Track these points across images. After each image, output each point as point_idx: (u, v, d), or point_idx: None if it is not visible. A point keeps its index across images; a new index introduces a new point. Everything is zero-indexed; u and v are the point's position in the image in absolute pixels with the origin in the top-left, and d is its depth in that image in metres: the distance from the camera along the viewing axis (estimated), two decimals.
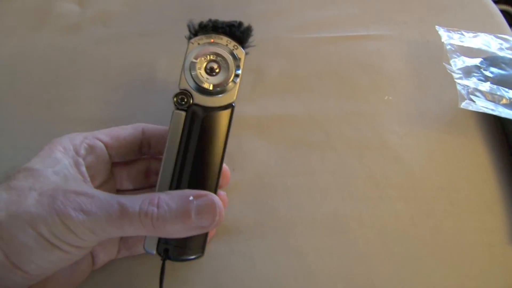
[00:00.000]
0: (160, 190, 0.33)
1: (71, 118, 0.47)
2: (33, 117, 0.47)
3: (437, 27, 0.50)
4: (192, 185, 0.33)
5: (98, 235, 0.29)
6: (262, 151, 0.45)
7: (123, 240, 0.37)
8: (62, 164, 0.31)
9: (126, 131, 0.37)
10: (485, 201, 0.44)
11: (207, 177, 0.33)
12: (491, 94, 0.44)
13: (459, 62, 0.46)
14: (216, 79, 0.33)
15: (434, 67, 0.49)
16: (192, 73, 0.33)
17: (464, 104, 0.43)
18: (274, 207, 0.42)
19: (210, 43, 0.33)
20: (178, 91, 0.33)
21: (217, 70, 0.33)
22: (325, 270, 0.40)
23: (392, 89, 0.49)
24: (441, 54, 0.48)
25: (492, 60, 0.47)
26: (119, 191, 0.39)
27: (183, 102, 0.32)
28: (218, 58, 0.33)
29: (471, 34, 0.49)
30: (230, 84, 0.33)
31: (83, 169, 0.33)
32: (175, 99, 0.32)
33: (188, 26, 0.34)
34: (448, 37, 0.48)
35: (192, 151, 0.33)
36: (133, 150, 0.37)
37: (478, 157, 0.46)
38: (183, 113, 0.32)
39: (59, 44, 0.53)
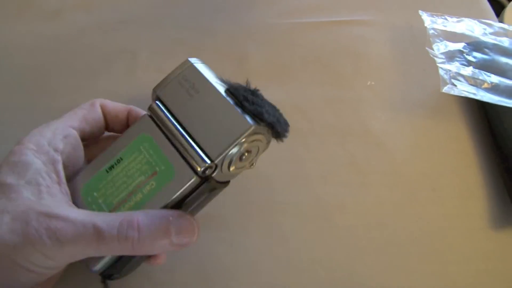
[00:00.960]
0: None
1: (51, 106, 0.46)
2: (13, 105, 0.47)
3: (420, 12, 0.49)
4: None
5: (75, 257, 0.28)
6: None
7: None
8: (33, 168, 0.30)
9: (90, 112, 0.35)
10: (467, 186, 0.44)
11: None
12: (473, 78, 0.44)
13: (442, 47, 0.46)
14: (241, 164, 0.32)
15: (418, 52, 0.49)
16: (229, 157, 0.30)
17: (446, 89, 0.43)
18: (256, 194, 0.42)
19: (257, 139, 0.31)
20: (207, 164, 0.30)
21: (245, 156, 0.31)
22: (308, 256, 0.40)
23: (375, 75, 0.49)
24: (424, 39, 0.48)
25: (475, 45, 0.47)
26: None
27: (206, 172, 0.30)
28: (253, 149, 0.32)
29: (455, 19, 0.49)
30: (247, 167, 0.33)
31: (59, 166, 0.31)
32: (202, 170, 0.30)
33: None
34: (432, 22, 0.48)
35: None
36: (100, 128, 0.36)
37: (461, 142, 0.46)
38: (196, 179, 0.30)
39: (40, 31, 0.52)
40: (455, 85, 0.43)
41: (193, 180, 0.30)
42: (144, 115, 0.33)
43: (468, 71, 0.44)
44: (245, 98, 0.31)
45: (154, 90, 0.33)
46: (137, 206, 0.31)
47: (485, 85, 0.43)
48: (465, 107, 0.47)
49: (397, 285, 0.39)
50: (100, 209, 0.31)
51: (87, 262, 0.31)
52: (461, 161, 0.45)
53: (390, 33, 0.51)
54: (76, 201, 0.32)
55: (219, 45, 0.49)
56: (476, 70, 0.44)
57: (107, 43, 0.51)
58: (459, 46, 0.47)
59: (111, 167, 0.32)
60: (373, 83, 0.48)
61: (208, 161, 0.29)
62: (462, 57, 0.46)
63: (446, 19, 0.49)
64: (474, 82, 0.43)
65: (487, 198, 0.43)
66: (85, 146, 0.36)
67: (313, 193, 0.42)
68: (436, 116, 0.46)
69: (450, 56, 0.46)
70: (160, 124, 0.32)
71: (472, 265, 0.40)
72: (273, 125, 0.30)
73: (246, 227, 0.41)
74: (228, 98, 0.31)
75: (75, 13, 0.54)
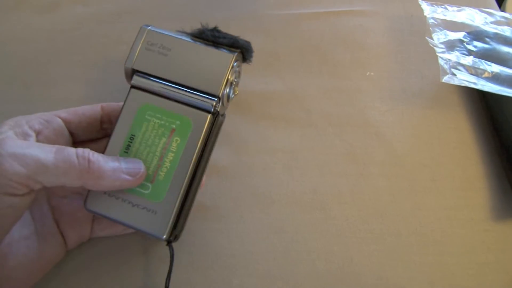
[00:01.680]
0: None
1: (49, 98, 0.46)
2: (12, 97, 0.47)
3: (420, 1, 0.49)
4: None
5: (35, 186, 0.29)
6: (241, 128, 0.44)
7: (96, 220, 0.37)
8: (4, 134, 0.31)
9: (84, 107, 0.36)
10: (467, 177, 0.43)
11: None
12: (474, 68, 0.43)
13: (441, 36, 0.45)
14: (231, 92, 0.36)
15: (417, 42, 0.49)
16: (225, 88, 0.35)
17: (446, 78, 0.42)
18: (252, 184, 0.42)
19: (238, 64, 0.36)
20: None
21: (233, 84, 0.36)
22: (304, 247, 0.40)
23: (374, 65, 0.48)
24: (424, 29, 0.47)
25: (476, 34, 0.46)
26: None
27: (216, 107, 0.34)
28: (235, 75, 0.37)
29: (455, 8, 0.48)
30: (235, 94, 0.37)
31: (30, 139, 0.32)
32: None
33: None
34: (431, 11, 0.47)
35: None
36: (94, 125, 0.36)
37: (461, 133, 0.45)
38: (211, 117, 0.34)
39: (37, 23, 0.52)
40: (455, 75, 0.42)
41: (209, 118, 0.33)
42: (130, 89, 0.34)
43: (468, 60, 0.43)
44: (213, 36, 0.35)
45: (126, 66, 0.35)
46: (173, 165, 0.33)
47: (486, 75, 0.42)
48: (465, 97, 0.46)
49: (395, 276, 0.39)
50: (143, 188, 0.33)
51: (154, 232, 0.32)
52: (462, 152, 0.44)
53: (389, 23, 0.51)
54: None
55: None
56: (477, 60, 0.43)
57: (104, 35, 0.51)
58: (460, 35, 0.46)
59: (128, 147, 0.33)
60: (372, 73, 0.47)
61: (215, 98, 0.33)
62: (462, 46, 0.45)
63: (446, 8, 0.48)
64: (474, 71, 0.43)
65: (488, 189, 0.42)
66: (82, 143, 0.36)
67: (309, 183, 0.42)
68: (436, 106, 0.46)
69: (450, 46, 0.45)
70: (152, 89, 0.34)
71: (472, 257, 0.40)
72: (246, 47, 0.35)
73: (242, 217, 0.40)
74: (198, 43, 0.35)
75: (72, 5, 0.54)
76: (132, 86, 0.34)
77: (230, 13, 0.51)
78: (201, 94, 0.33)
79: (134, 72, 0.35)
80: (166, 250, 0.35)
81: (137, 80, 0.34)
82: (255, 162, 0.42)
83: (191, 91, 0.34)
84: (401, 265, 0.39)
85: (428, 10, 0.47)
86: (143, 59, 0.34)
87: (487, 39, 0.46)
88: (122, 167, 0.31)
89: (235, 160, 0.42)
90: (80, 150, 0.30)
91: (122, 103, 0.35)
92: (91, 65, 0.49)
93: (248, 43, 0.36)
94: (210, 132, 0.34)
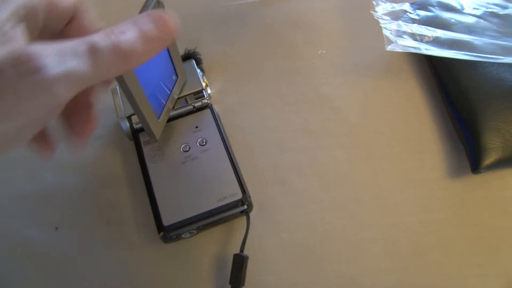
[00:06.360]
0: None
1: None
2: None
3: None
4: None
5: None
6: None
7: None
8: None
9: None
10: (422, 140, 0.45)
11: None
12: (418, 34, 0.45)
13: (386, 8, 0.47)
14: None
15: (367, 18, 0.50)
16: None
17: (390, 47, 0.43)
18: None
19: None
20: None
21: None
22: (269, 221, 0.41)
23: (326, 43, 0.50)
24: (372, 4, 0.49)
25: (419, 4, 0.48)
26: None
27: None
28: None
29: None
30: None
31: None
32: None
33: None
34: None
35: None
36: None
37: (414, 99, 0.47)
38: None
39: None
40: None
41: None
42: None
43: (411, 27, 0.45)
44: None
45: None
46: None
47: (427, 39, 0.44)
48: (415, 65, 0.48)
49: (359, 240, 0.40)
50: None
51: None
52: (415, 117, 0.46)
53: (339, 3, 0.52)
54: None
55: None
56: (421, 26, 0.45)
57: None
58: (404, 6, 0.48)
59: None
60: (324, 51, 0.49)
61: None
62: (406, 16, 0.47)
63: None
64: (418, 37, 0.44)
65: (442, 150, 0.44)
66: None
67: (269, 160, 0.44)
68: (387, 76, 0.47)
69: (395, 17, 0.47)
70: None
71: (431, 214, 0.41)
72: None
73: None
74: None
75: None
76: None
77: (183, 8, 0.53)
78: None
79: None
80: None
81: None
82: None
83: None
84: (364, 228, 0.41)
85: None
86: None
87: (430, 7, 0.47)
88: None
89: None
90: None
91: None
92: None
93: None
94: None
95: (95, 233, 0.41)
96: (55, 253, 0.40)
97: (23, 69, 0.22)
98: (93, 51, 0.24)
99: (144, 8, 0.35)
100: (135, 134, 0.42)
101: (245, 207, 0.38)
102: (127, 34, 0.25)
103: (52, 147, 0.30)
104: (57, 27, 0.29)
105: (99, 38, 0.24)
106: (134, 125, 0.41)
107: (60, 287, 0.39)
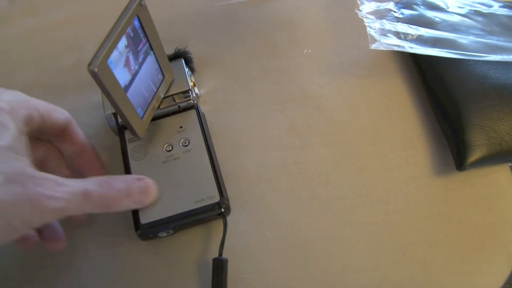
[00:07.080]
0: None
1: None
2: None
3: None
4: None
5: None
6: None
7: None
8: (10, 131, 0.30)
9: (58, 114, 0.37)
10: (407, 137, 0.45)
11: None
12: (400, 32, 0.45)
13: (371, 7, 0.47)
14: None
15: (352, 17, 0.50)
16: None
17: (374, 45, 0.44)
18: None
19: None
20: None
21: None
22: (254, 218, 0.41)
23: (311, 43, 0.50)
24: (356, 3, 0.49)
25: (404, 2, 0.48)
26: None
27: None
28: None
29: None
30: None
31: (23, 137, 0.32)
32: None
33: None
34: None
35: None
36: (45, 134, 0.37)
37: (398, 97, 0.47)
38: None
39: None
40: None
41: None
42: None
43: (396, 26, 0.45)
44: None
45: None
46: None
47: (410, 37, 0.44)
48: (400, 63, 0.48)
49: (343, 238, 0.40)
50: None
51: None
52: (400, 115, 0.46)
53: (324, 3, 0.53)
54: None
55: (159, 32, 0.51)
56: (404, 25, 0.45)
57: (55, 42, 0.53)
58: (389, 5, 0.48)
59: None
60: (309, 50, 0.49)
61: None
62: (391, 15, 0.47)
63: None
64: (401, 36, 0.45)
65: (427, 147, 0.44)
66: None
67: (254, 158, 0.44)
68: (373, 75, 0.48)
69: (380, 15, 0.47)
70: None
71: (416, 212, 0.41)
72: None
73: None
74: None
75: (23, 18, 0.56)
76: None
77: (169, 9, 0.53)
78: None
79: None
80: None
81: None
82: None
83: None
84: (348, 226, 0.41)
85: None
86: None
87: (415, 6, 0.48)
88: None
89: None
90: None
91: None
92: (44, 70, 0.51)
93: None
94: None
95: (78, 231, 0.41)
96: (38, 251, 0.40)
97: None
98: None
99: (125, 10, 0.35)
100: (120, 130, 0.42)
101: (222, 210, 0.38)
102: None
103: (32, 244, 0.37)
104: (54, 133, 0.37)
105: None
106: (120, 122, 0.41)
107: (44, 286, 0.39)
